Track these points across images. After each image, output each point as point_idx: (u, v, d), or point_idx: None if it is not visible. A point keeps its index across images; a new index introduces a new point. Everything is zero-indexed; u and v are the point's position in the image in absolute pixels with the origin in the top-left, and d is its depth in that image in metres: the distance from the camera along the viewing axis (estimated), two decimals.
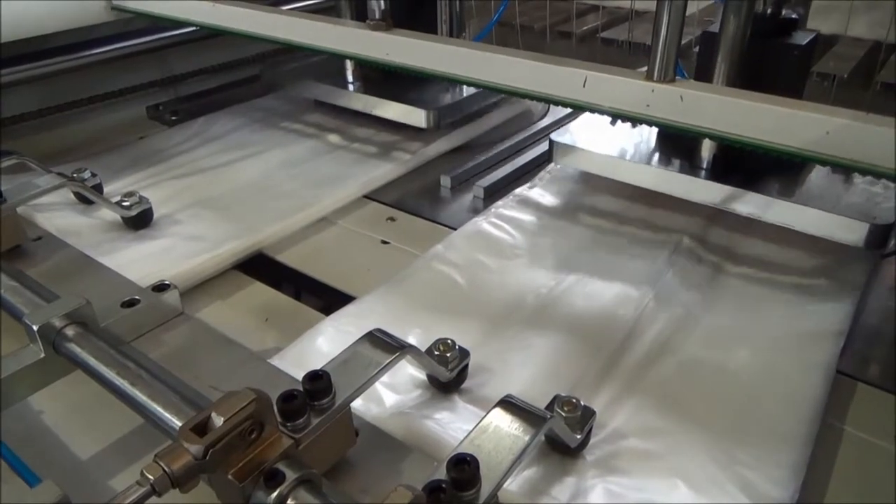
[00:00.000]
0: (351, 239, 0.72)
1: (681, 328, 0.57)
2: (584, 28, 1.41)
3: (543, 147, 0.89)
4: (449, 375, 0.49)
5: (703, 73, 0.65)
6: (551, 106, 0.96)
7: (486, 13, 1.14)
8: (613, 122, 0.75)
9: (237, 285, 0.65)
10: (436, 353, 0.49)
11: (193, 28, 0.90)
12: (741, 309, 0.59)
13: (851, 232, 0.57)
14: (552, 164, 0.82)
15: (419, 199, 0.80)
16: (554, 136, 0.73)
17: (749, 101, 0.51)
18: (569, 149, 0.72)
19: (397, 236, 0.72)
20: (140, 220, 0.71)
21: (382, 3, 0.68)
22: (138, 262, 0.65)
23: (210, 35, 0.97)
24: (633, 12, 1.33)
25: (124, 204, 0.70)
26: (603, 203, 0.76)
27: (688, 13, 0.54)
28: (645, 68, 0.56)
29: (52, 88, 0.91)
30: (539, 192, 0.78)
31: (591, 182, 0.79)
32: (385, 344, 0.44)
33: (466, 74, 0.64)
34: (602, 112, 0.58)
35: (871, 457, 0.47)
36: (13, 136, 0.89)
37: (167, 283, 0.56)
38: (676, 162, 0.69)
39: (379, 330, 0.45)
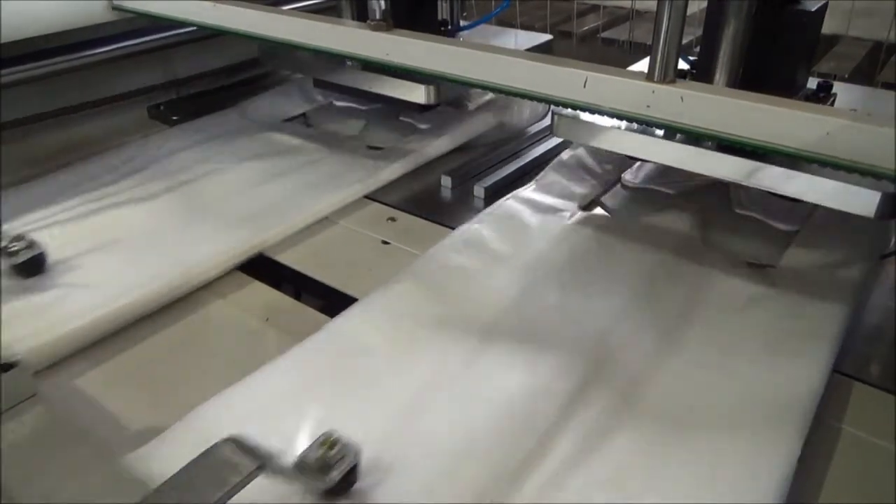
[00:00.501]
0: (351, 239, 0.72)
1: (660, 349, 0.55)
2: (585, 28, 1.41)
3: (545, 147, 0.89)
4: (331, 482, 0.41)
5: (711, 39, 0.64)
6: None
7: (486, 13, 1.14)
8: None
9: (237, 285, 0.65)
10: (318, 451, 0.41)
11: (194, 28, 0.90)
12: (733, 312, 0.59)
13: (864, 202, 0.56)
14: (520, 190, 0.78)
15: (420, 199, 0.80)
16: (556, 108, 0.67)
17: (749, 101, 0.51)
18: (571, 121, 0.67)
19: (397, 236, 0.72)
20: (30, 267, 0.63)
21: (383, 3, 0.68)
22: (21, 317, 0.57)
23: (212, 35, 0.96)
24: (634, 12, 1.33)
25: (11, 249, 0.62)
26: (578, 223, 0.72)
27: (688, 13, 0.54)
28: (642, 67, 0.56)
29: (53, 88, 0.91)
30: (488, 231, 0.70)
31: (553, 209, 0.74)
32: (237, 457, 0.37)
33: (467, 75, 0.64)
34: (602, 113, 0.58)
35: (870, 457, 0.47)
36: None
37: (14, 360, 0.49)
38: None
39: (234, 438, 0.39)
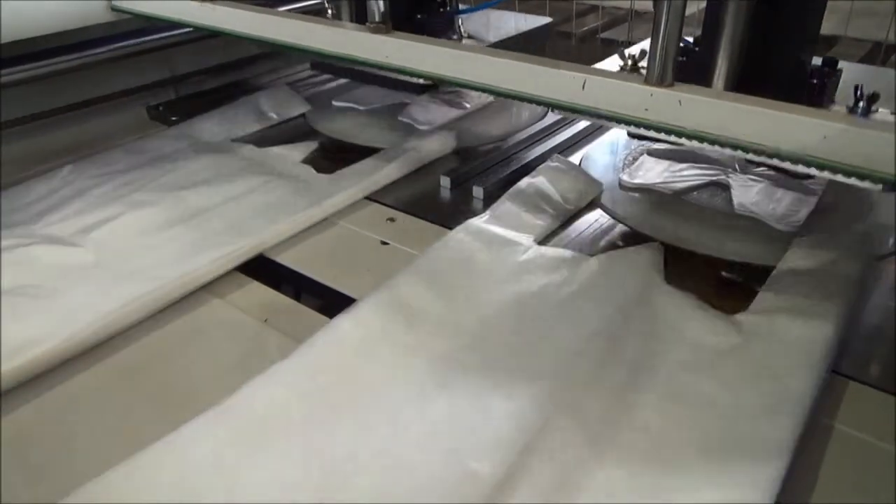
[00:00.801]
0: (351, 239, 0.72)
1: (648, 357, 0.54)
2: (584, 28, 1.41)
3: (544, 147, 0.89)
4: None
5: (711, 28, 0.64)
6: None
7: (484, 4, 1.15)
8: None
9: (236, 285, 0.65)
10: None
11: (191, 28, 0.90)
12: (729, 312, 0.59)
13: None
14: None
15: (419, 199, 0.80)
16: None
17: (748, 105, 0.51)
18: None
19: (397, 237, 0.72)
20: None
21: (382, 5, 0.68)
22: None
23: (211, 35, 0.96)
24: (633, 12, 1.33)
25: None
26: (532, 258, 0.66)
27: (688, 13, 0.54)
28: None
29: (53, 88, 0.91)
30: (433, 268, 0.63)
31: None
32: None
33: (466, 77, 0.64)
34: (600, 116, 0.58)
35: (864, 456, 0.47)
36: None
37: None
38: None
39: None
